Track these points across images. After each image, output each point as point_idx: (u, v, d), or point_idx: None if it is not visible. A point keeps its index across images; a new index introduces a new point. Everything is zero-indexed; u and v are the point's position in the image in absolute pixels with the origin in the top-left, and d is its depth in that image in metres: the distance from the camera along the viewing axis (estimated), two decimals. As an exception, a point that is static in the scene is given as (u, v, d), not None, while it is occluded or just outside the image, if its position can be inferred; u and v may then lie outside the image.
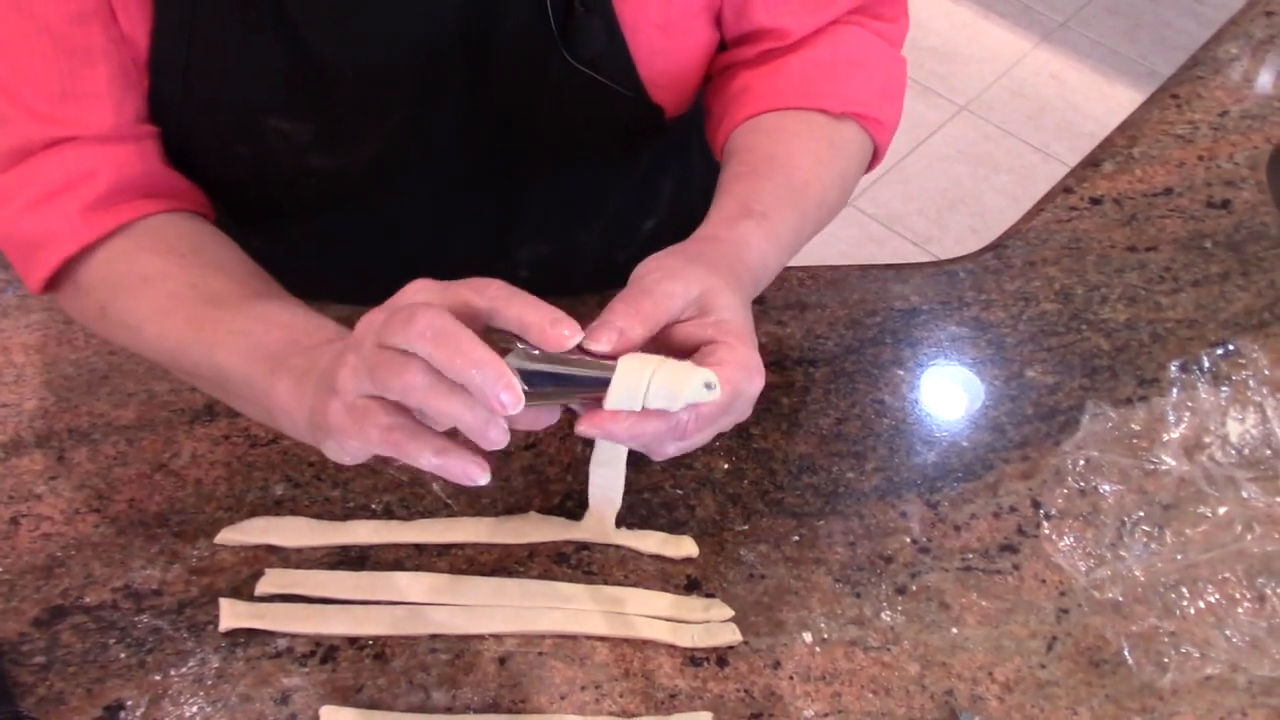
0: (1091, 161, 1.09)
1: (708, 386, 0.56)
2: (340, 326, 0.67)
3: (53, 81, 0.68)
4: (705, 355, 0.59)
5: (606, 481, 0.72)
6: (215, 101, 0.74)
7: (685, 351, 0.60)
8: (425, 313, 0.53)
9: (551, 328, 0.55)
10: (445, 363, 0.53)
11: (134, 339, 0.72)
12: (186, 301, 0.69)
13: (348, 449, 0.58)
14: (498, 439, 0.55)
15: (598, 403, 0.57)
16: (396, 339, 0.54)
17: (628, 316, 0.58)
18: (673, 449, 0.59)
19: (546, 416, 0.58)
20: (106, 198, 0.71)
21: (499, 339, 0.57)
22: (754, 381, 0.59)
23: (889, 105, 0.81)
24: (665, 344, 0.60)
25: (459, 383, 0.53)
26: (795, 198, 0.73)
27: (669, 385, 0.56)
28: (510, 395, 0.53)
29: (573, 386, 0.57)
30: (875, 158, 0.82)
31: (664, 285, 0.60)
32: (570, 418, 0.60)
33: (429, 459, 0.55)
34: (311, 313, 0.69)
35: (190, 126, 0.75)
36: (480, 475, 0.56)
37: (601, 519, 0.77)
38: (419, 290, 0.57)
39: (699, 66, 0.83)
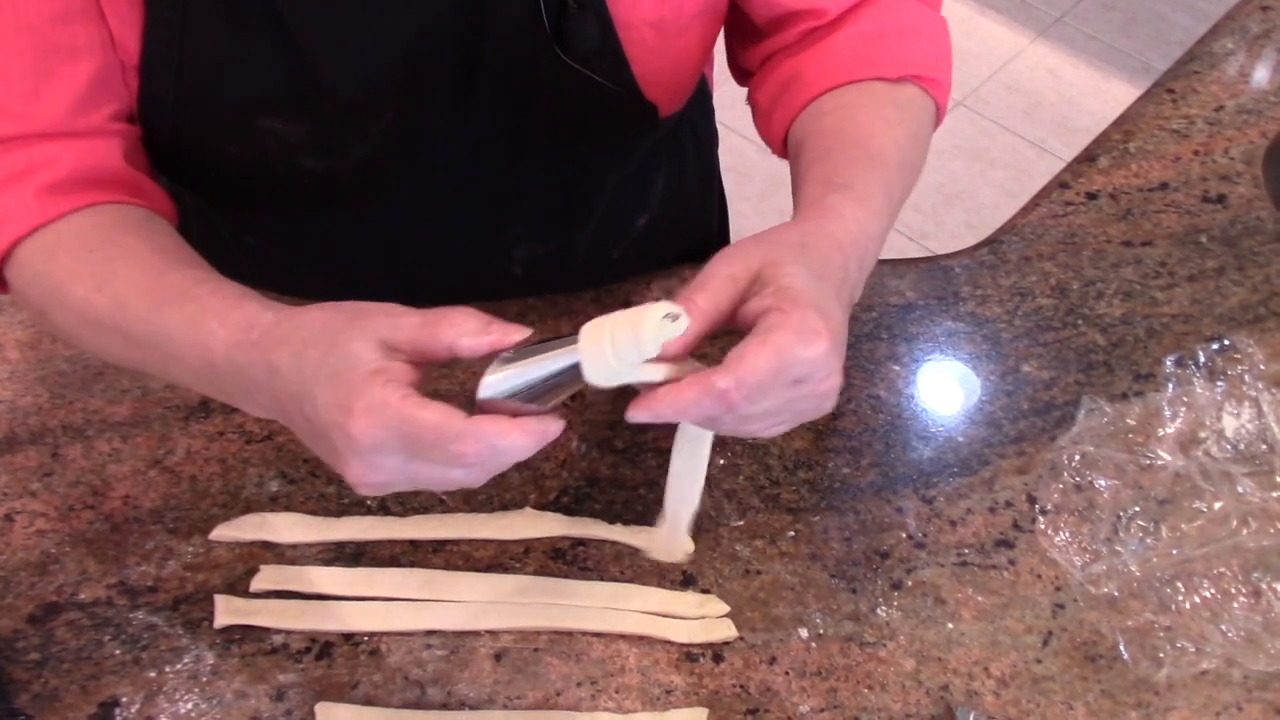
0: (1087, 157, 1.09)
1: (669, 318, 0.55)
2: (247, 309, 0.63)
3: (28, 78, 0.68)
4: (760, 325, 0.57)
5: (682, 483, 0.68)
6: (207, 101, 0.73)
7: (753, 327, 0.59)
8: (465, 449, 0.55)
9: (480, 336, 0.57)
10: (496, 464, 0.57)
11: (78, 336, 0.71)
12: (106, 313, 0.67)
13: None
14: (554, 431, 0.58)
15: None
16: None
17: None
18: (740, 426, 0.59)
19: (554, 429, 0.59)
20: (64, 184, 0.69)
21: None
22: (812, 345, 0.56)
23: (941, 65, 0.80)
24: (738, 327, 0.60)
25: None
26: (875, 164, 0.71)
27: (628, 332, 0.55)
28: (555, 425, 0.56)
29: (559, 381, 0.57)
30: (936, 118, 0.82)
31: (720, 271, 0.60)
32: (567, 415, 0.60)
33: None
34: (210, 319, 0.63)
35: (182, 126, 0.75)
36: (554, 426, 0.58)
37: (675, 525, 0.71)
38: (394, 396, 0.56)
39: (693, 65, 0.83)
